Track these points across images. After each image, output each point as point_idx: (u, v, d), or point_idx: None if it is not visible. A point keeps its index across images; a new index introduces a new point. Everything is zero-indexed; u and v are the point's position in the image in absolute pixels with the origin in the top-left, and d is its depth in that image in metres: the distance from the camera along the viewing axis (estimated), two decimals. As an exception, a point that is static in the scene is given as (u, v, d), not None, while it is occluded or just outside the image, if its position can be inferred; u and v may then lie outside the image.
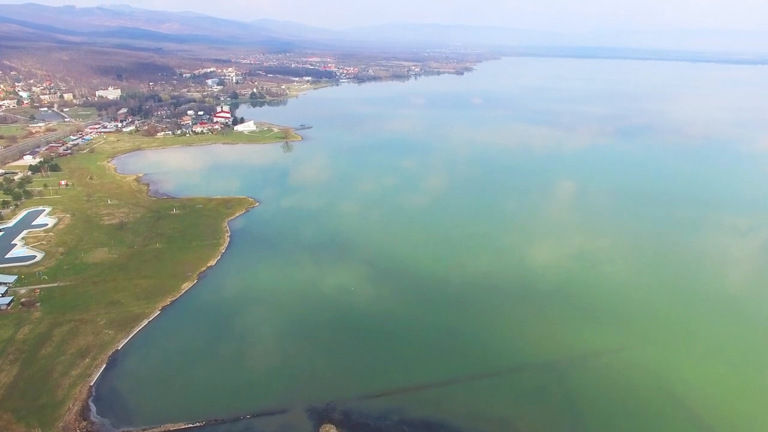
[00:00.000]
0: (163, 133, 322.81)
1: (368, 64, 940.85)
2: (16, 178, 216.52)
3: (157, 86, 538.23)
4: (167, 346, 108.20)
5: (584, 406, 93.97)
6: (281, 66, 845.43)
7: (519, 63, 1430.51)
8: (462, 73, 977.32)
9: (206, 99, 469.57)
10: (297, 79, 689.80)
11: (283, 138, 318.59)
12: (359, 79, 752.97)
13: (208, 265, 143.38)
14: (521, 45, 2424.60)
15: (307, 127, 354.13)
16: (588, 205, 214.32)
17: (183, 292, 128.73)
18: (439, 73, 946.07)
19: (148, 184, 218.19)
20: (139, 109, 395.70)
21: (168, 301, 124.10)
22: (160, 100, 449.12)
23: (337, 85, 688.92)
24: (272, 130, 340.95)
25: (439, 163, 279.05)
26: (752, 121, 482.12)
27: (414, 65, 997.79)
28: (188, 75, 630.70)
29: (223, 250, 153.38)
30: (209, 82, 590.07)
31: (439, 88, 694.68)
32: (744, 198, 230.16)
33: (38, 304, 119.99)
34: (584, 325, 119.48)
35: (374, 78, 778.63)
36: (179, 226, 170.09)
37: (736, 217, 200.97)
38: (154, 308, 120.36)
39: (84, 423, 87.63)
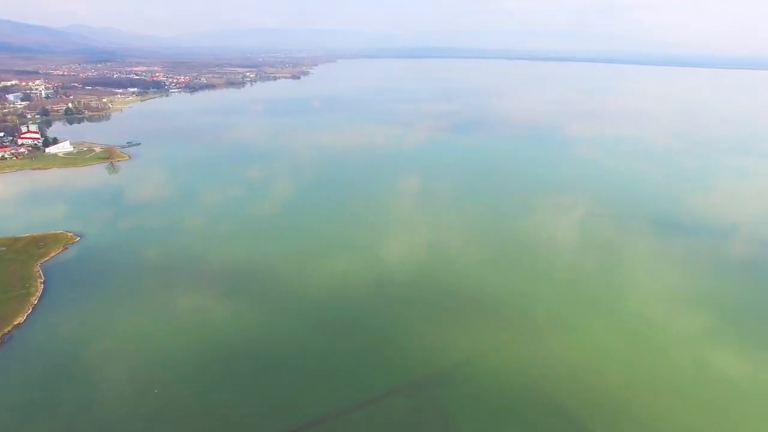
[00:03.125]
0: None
1: (200, 72, 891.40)
2: None
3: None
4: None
5: (460, 422, 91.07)
6: (102, 77, 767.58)
7: (355, 65, 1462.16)
8: (299, 78, 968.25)
9: (8, 117, 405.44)
10: (121, 91, 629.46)
11: (107, 158, 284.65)
12: (191, 88, 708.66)
13: (15, 323, 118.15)
14: (356, 47, 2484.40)
15: (135, 144, 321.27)
16: (434, 198, 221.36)
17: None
18: (275, 79, 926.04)
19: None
20: None
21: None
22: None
23: (168, 95, 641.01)
24: (94, 150, 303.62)
25: (285, 169, 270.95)
26: (562, 111, 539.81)
27: (249, 71, 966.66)
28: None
29: (36, 302, 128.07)
30: (11, 97, 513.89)
31: (277, 94, 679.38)
32: (567, 179, 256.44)
33: None
34: (449, 328, 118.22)
35: (208, 86, 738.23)
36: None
37: (565, 197, 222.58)
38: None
39: None
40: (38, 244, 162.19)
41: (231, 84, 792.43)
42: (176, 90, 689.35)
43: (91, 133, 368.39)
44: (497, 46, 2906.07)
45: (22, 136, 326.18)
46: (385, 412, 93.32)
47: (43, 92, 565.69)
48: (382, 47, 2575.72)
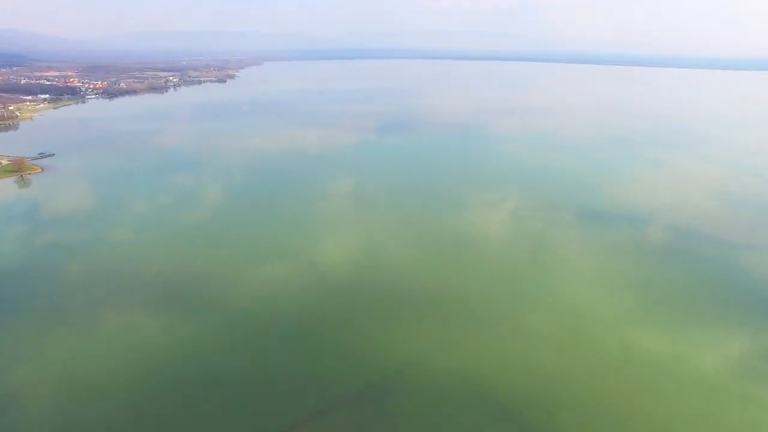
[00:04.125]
0: None
1: (119, 77, 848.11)
2: None
3: None
4: None
5: (405, 429, 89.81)
6: (8, 83, 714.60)
7: (282, 67, 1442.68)
8: (225, 81, 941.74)
9: None
10: (30, 98, 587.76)
11: (16, 171, 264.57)
12: (110, 94, 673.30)
13: None
14: (283, 50, 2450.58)
15: (49, 155, 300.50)
16: (367, 199, 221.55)
17: None
18: (200, 83, 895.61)
19: None
20: None
21: None
22: None
23: (84, 102, 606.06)
24: (0, 163, 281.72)
25: (214, 176, 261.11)
26: (487, 109, 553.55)
27: (172, 75, 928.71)
28: None
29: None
30: None
31: (202, 99, 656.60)
32: (495, 174, 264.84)
33: None
34: (389, 332, 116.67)
35: (128, 92, 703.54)
36: None
37: (494, 192, 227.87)
38: None
39: None
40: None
41: (153, 89, 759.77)
42: (93, 96, 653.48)
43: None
44: (422, 46, 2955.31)
45: None
46: (326, 427, 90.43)
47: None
48: (308, 49, 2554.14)
